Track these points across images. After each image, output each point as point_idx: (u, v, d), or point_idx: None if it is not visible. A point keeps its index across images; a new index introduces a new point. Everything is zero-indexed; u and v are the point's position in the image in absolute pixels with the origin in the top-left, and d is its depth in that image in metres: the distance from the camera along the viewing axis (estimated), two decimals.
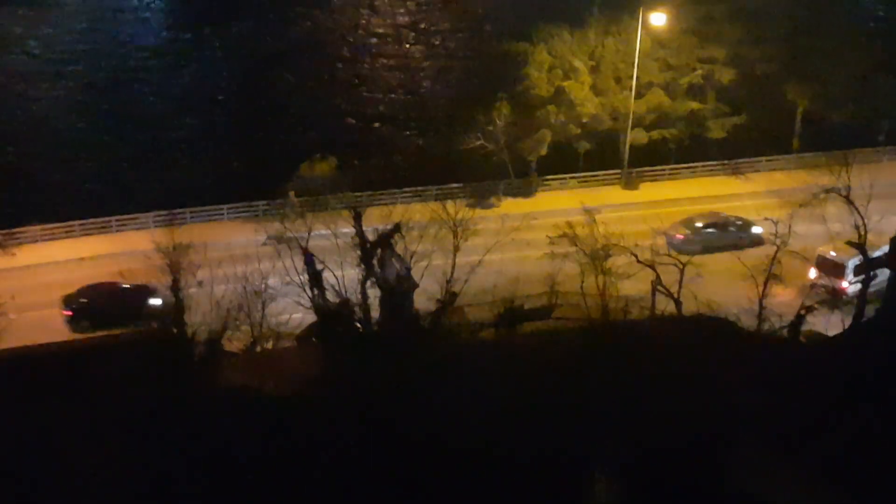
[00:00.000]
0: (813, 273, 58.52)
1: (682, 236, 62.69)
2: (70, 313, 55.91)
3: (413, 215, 54.18)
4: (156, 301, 54.16)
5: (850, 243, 53.92)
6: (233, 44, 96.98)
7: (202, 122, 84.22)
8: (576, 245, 53.14)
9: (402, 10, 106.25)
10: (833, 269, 57.68)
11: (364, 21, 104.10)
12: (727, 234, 63.00)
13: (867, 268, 52.19)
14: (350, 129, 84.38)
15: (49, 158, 77.15)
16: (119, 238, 64.32)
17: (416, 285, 51.45)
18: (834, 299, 55.12)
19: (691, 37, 73.20)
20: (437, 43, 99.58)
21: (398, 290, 50.90)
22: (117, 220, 65.48)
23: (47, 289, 57.87)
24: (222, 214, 66.95)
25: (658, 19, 69.69)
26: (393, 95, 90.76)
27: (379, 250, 52.86)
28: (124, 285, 55.30)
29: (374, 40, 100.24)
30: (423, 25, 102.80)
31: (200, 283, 46.44)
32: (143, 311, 53.13)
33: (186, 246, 47.86)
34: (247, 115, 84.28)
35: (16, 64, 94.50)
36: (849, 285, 56.06)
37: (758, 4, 74.12)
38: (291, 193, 64.40)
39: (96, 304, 55.91)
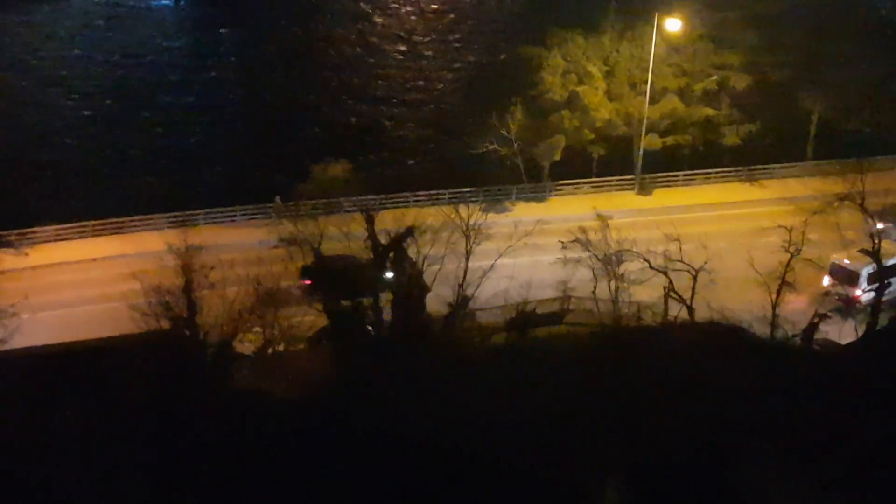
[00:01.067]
0: (827, 281, 58.26)
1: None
2: (309, 282, 55.81)
3: (426, 219, 54.16)
4: (388, 274, 54.16)
5: (863, 251, 53.79)
6: (247, 47, 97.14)
7: (216, 124, 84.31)
8: (588, 250, 53.11)
9: (415, 15, 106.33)
10: (847, 277, 57.42)
11: (378, 26, 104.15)
12: None
13: (881, 276, 52.02)
14: (363, 132, 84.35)
15: (63, 160, 77.29)
16: (132, 239, 64.28)
17: (428, 289, 51.40)
18: (848, 307, 55.07)
19: (706, 43, 72.97)
20: (450, 47, 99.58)
21: (410, 294, 50.88)
22: (131, 221, 65.53)
23: (59, 289, 57.98)
24: (235, 217, 66.95)
25: (673, 25, 69.51)
26: (406, 99, 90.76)
27: (391, 254, 52.96)
28: (360, 260, 54.98)
29: (387, 45, 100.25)
30: (437, 29, 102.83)
31: (213, 285, 46.43)
32: (376, 284, 53.46)
33: (199, 247, 47.92)
34: (260, 117, 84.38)
35: (30, 66, 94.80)
36: (863, 293, 55.80)
37: (773, 11, 73.89)
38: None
39: (333, 275, 55.63)
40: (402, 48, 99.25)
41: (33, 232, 63.90)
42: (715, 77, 73.38)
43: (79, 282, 58.87)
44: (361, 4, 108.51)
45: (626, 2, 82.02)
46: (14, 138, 79.43)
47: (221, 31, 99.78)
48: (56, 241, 64.08)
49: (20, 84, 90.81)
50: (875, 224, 54.62)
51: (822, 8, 75.07)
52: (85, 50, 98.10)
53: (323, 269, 55.21)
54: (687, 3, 72.89)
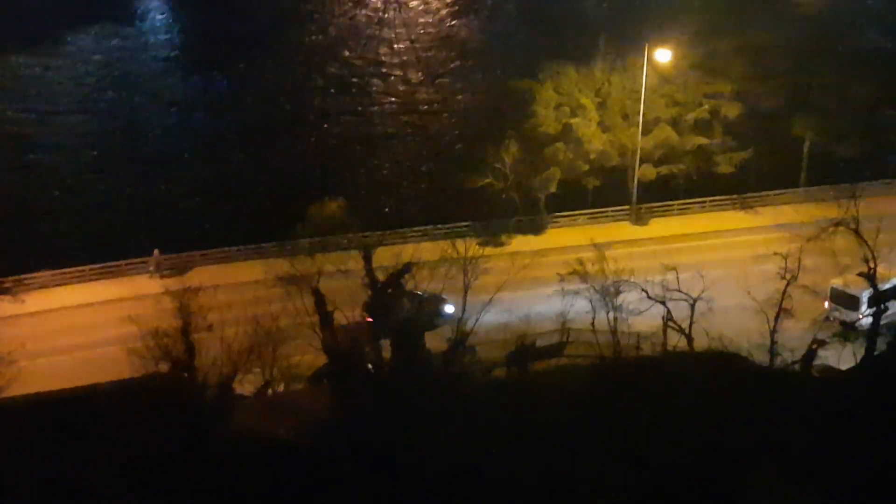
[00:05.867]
0: (828, 305, 58.63)
1: None
2: (370, 319, 56.11)
3: (423, 254, 54.18)
4: (450, 308, 55.81)
5: (862, 275, 53.86)
6: (240, 86, 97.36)
7: (211, 164, 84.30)
8: (586, 282, 53.10)
9: (407, 50, 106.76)
10: (848, 301, 57.88)
11: (371, 62, 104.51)
12: None
13: (878, 300, 52.09)
14: (359, 168, 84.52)
15: (58, 204, 77.33)
16: (129, 282, 64.39)
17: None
18: (846, 332, 55.15)
19: (697, 72, 73.39)
20: (444, 82, 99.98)
21: (409, 331, 50.83)
22: (127, 265, 65.54)
23: (57, 335, 57.91)
24: (232, 256, 67.00)
25: (663, 56, 69.92)
26: (401, 134, 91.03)
27: (389, 290, 52.94)
28: (420, 293, 55.37)
29: (380, 81, 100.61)
30: (429, 64, 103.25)
31: (210, 327, 46.31)
32: (439, 319, 55.73)
33: (196, 289, 47.84)
34: (256, 155, 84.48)
35: (24, 110, 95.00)
36: (863, 317, 55.92)
37: (762, 40, 74.34)
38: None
39: (396, 311, 56.24)
40: (395, 84, 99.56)
41: (31, 278, 63.90)
42: (707, 106, 73.78)
43: (76, 327, 58.81)
44: (354, 41, 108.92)
45: (617, 33, 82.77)
46: (8, 183, 79.49)
47: (214, 72, 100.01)
48: (53, 286, 64.10)
49: (14, 128, 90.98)
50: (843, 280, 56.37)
51: (810, 36, 75.53)
52: (80, 92, 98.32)
53: (384, 305, 55.71)
54: (676, 33, 73.51)
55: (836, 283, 58.18)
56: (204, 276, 58.71)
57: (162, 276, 63.58)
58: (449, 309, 56.29)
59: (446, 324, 53.89)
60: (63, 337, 57.53)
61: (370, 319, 55.88)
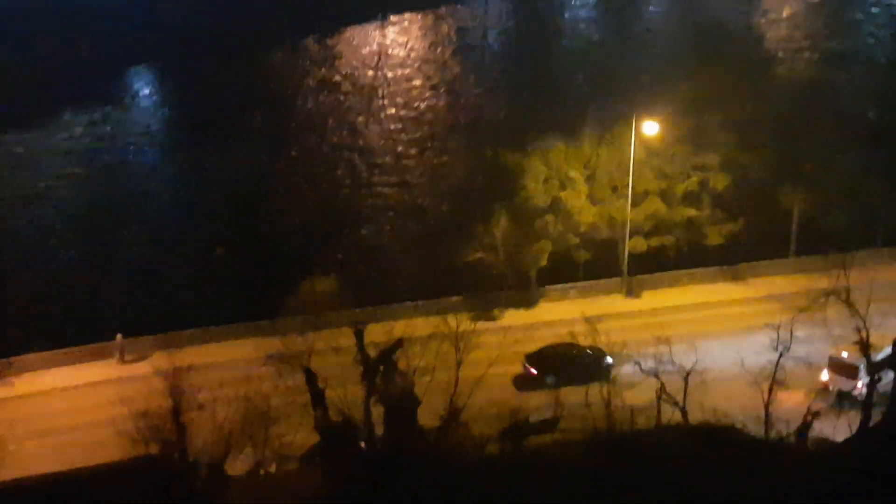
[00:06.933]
0: (825, 375, 58.65)
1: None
2: (535, 372, 59.64)
3: (414, 330, 54.03)
4: (609, 361, 58.64)
5: (858, 344, 53.85)
6: (228, 163, 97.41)
7: (200, 241, 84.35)
8: None
9: (395, 124, 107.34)
10: (846, 370, 58.01)
11: (359, 137, 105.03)
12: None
13: (872, 370, 52.03)
14: (350, 244, 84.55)
15: (46, 285, 76.96)
16: (119, 363, 64.07)
17: (419, 401, 51.05)
18: (841, 402, 55.17)
19: (684, 144, 73.78)
20: (432, 155, 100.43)
21: (401, 408, 50.51)
22: (117, 345, 65.13)
23: (46, 417, 57.50)
24: (223, 334, 66.71)
25: (651, 128, 70.36)
26: (390, 209, 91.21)
27: (381, 367, 52.68)
28: (582, 346, 58.60)
29: (369, 156, 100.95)
30: (417, 138, 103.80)
31: (201, 407, 46.00)
32: (601, 371, 58.01)
33: (187, 368, 47.61)
34: (244, 234, 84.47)
35: (13, 185, 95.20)
36: (862, 386, 55.88)
37: (749, 112, 74.88)
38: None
39: (559, 363, 60.04)
40: (385, 158, 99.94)
41: (19, 360, 63.55)
42: (695, 178, 74.11)
43: (66, 409, 58.45)
44: (342, 116, 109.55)
45: (604, 106, 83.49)
46: None
47: (201, 150, 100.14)
48: (41, 368, 63.68)
49: (3, 209, 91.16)
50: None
51: (796, 107, 76.10)
52: (69, 170, 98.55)
53: (547, 357, 60.34)
54: (663, 105, 74.01)
55: (835, 352, 58.41)
56: (195, 355, 58.29)
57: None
58: (609, 361, 58.90)
59: (609, 376, 56.99)
60: (53, 419, 57.18)
61: (534, 371, 59.55)
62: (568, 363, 60.48)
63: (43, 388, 61.54)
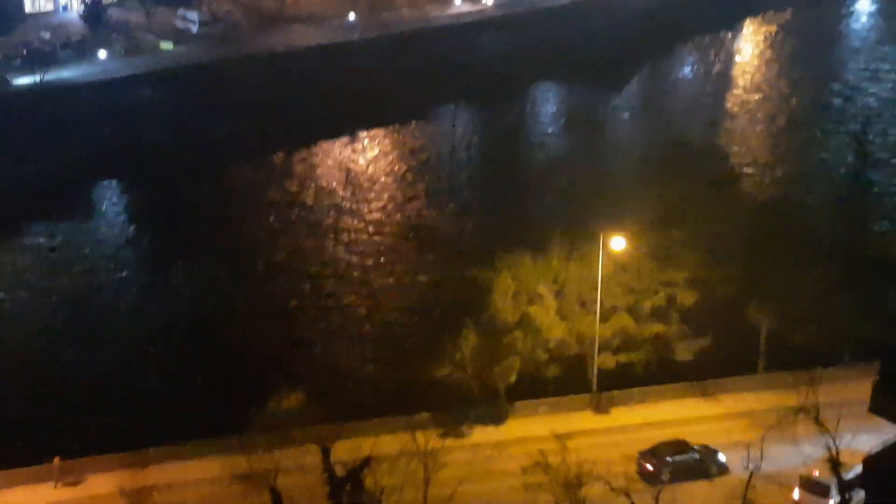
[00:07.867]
0: (797, 494, 58.42)
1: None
2: (651, 469, 61.49)
3: (382, 447, 53.58)
4: (722, 458, 62.08)
5: (829, 462, 53.79)
6: (192, 280, 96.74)
7: (163, 358, 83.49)
8: (548, 474, 52.53)
9: (364, 238, 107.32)
10: (817, 489, 57.91)
11: (324, 251, 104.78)
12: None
13: (843, 489, 51.86)
14: (316, 360, 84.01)
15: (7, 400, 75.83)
16: (82, 483, 62.60)
17: None
18: None
19: (652, 261, 74.30)
20: (398, 270, 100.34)
21: None
22: (80, 463, 63.84)
23: None
24: (188, 452, 65.57)
25: (618, 244, 70.88)
26: (357, 324, 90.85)
27: (348, 486, 51.99)
28: (693, 445, 63.04)
29: (335, 269, 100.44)
30: (385, 254, 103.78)
31: None
32: (712, 468, 61.78)
33: (150, 488, 46.77)
34: (208, 349, 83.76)
35: None
36: None
37: (715, 228, 75.61)
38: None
39: (673, 460, 62.18)
40: (351, 273, 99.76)
41: None
42: (662, 294, 74.46)
43: None
44: (310, 230, 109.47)
45: (573, 223, 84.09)
46: None
47: (168, 261, 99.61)
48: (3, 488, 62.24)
49: None
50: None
51: (763, 224, 77.11)
52: (31, 283, 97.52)
53: (661, 454, 62.36)
54: (630, 222, 74.67)
55: (806, 472, 58.25)
56: (159, 474, 57.32)
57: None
58: (722, 458, 62.07)
59: (721, 473, 60.53)
60: None
61: (650, 468, 61.62)
62: (682, 460, 62.53)
63: None
